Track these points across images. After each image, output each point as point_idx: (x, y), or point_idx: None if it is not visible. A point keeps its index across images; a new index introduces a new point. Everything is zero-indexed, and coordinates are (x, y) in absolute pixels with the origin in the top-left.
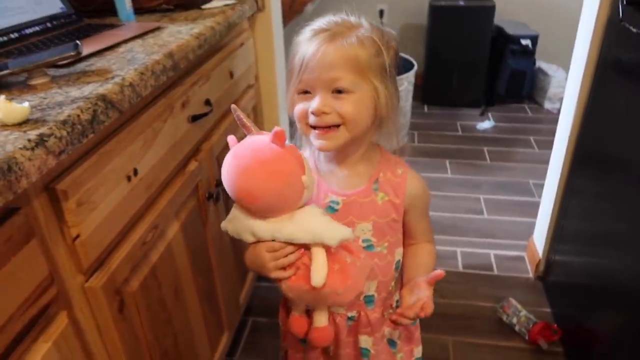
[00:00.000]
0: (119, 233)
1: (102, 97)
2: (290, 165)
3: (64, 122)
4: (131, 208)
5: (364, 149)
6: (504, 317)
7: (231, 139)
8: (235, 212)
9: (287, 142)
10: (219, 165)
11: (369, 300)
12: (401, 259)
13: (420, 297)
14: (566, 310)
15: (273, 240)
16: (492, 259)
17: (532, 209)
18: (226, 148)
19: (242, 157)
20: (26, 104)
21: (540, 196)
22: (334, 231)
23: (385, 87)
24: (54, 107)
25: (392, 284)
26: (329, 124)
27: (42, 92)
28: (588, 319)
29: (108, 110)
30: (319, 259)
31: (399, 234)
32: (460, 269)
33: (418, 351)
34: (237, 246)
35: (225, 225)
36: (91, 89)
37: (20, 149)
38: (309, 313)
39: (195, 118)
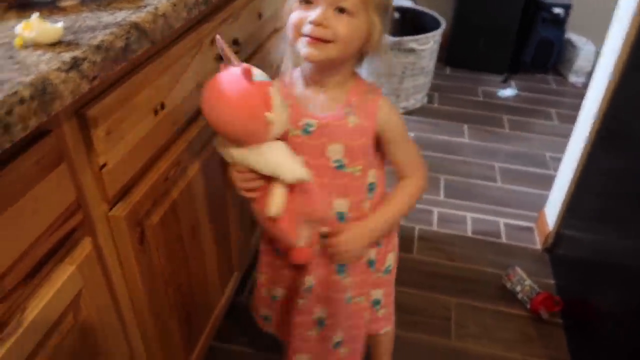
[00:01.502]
0: (143, 166)
1: (135, 26)
2: (252, 101)
3: (98, 47)
4: (156, 142)
5: (341, 75)
6: (508, 285)
7: (223, 67)
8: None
9: (263, 77)
10: None
11: (340, 216)
12: (376, 182)
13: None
14: (570, 283)
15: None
16: (502, 227)
17: (546, 182)
18: None
19: (212, 88)
20: (60, 24)
21: (555, 169)
22: (291, 169)
23: (380, 24)
24: (86, 31)
25: (367, 205)
26: (322, 38)
27: (72, 14)
28: (590, 293)
29: (141, 40)
30: (276, 192)
31: (371, 157)
32: (469, 234)
33: (390, 258)
34: None
35: (216, 141)
36: (124, 15)
37: (55, 70)
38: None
39: (222, 57)
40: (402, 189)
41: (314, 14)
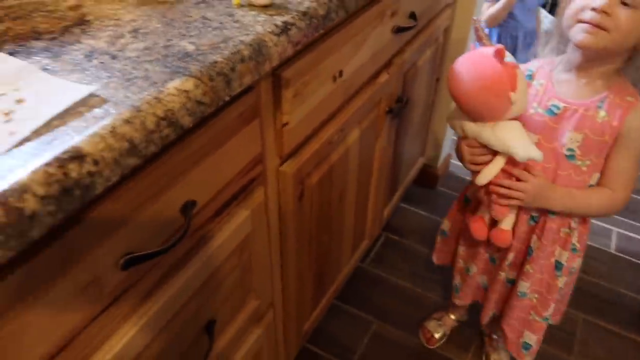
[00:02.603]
0: (314, 129)
1: None
2: (500, 82)
3: (304, 14)
4: (329, 108)
5: (606, 69)
6: None
7: (472, 47)
8: (456, 107)
9: (511, 59)
10: (405, 82)
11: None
12: (595, 185)
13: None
14: None
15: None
16: None
17: None
18: (414, 66)
19: (464, 63)
20: None
21: None
22: (525, 148)
23: None
24: None
25: None
26: (601, 25)
27: None
28: None
29: (338, 9)
30: (495, 164)
31: (603, 159)
32: (613, 250)
33: (561, 254)
34: (395, 166)
35: (448, 114)
36: None
37: (269, 32)
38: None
39: (399, 30)
40: (598, 192)
41: (599, 1)
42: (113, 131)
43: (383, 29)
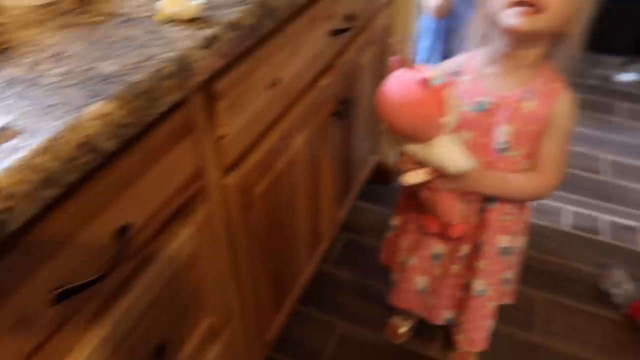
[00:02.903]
0: (255, 138)
1: (264, 3)
2: (427, 110)
3: (231, 25)
4: (269, 115)
5: (532, 56)
6: (604, 286)
7: (395, 60)
8: None
9: (441, 79)
10: (348, 83)
11: (491, 199)
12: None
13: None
14: None
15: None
16: (604, 224)
17: None
18: (356, 66)
19: (390, 92)
20: (201, 1)
21: None
22: (455, 164)
23: (585, 5)
24: (219, 8)
25: None
26: (534, 2)
27: None
28: None
29: (267, 17)
30: (422, 171)
31: (535, 148)
32: (566, 227)
33: (505, 240)
34: (347, 166)
35: (384, 131)
36: None
37: (195, 47)
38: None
39: (336, 32)
40: (531, 176)
41: None
42: (28, 163)
43: (319, 32)
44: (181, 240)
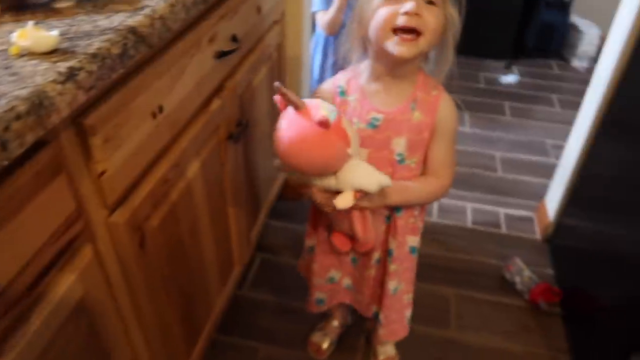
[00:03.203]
0: (143, 170)
1: (132, 30)
2: (335, 148)
3: (94, 56)
4: (155, 145)
5: (410, 70)
6: (507, 276)
7: (279, 100)
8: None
9: (332, 111)
10: (242, 104)
11: (397, 208)
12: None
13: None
14: (569, 273)
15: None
16: (501, 217)
17: (546, 170)
18: (249, 87)
19: (291, 138)
20: (55, 33)
21: (557, 157)
22: (372, 183)
23: (454, 16)
24: (82, 37)
25: None
26: (416, 27)
27: (67, 18)
28: (590, 284)
29: (138, 45)
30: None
31: (426, 152)
32: (469, 224)
33: (413, 240)
34: (252, 187)
35: (278, 165)
36: (120, 19)
37: (51, 82)
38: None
39: (221, 55)
40: (427, 181)
41: (408, 5)
42: None
43: (203, 56)
44: (63, 290)
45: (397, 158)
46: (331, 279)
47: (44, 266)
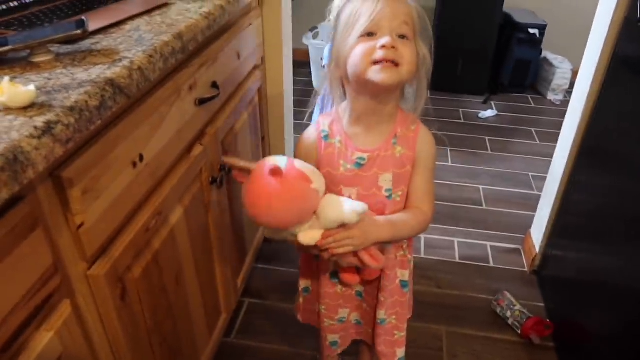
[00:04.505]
0: (123, 220)
1: (110, 82)
2: (297, 190)
3: (72, 109)
4: (136, 194)
5: (391, 106)
6: (498, 310)
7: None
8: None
9: (282, 159)
10: (224, 149)
11: (387, 243)
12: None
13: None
14: (559, 305)
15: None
16: (489, 251)
17: (530, 202)
18: (231, 131)
19: (253, 201)
20: (32, 87)
21: (538, 189)
22: (351, 212)
23: (429, 52)
24: (60, 90)
25: None
26: (394, 59)
27: (46, 72)
28: (580, 315)
29: (116, 96)
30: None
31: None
32: (457, 259)
33: (403, 274)
34: (237, 231)
35: (267, 233)
36: (98, 71)
37: (27, 137)
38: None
39: (202, 102)
40: (412, 213)
41: (384, 39)
42: None
43: (183, 103)
44: (40, 348)
45: (386, 194)
46: (341, 319)
47: (19, 324)
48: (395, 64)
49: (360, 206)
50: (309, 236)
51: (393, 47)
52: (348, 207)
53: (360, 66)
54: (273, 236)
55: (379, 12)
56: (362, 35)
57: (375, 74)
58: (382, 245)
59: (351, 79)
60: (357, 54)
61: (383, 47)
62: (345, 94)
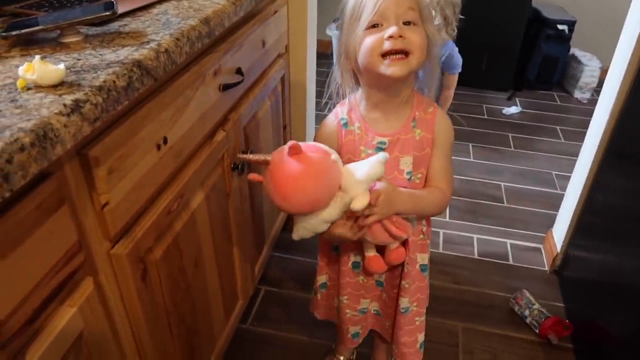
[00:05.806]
0: (146, 201)
1: (138, 63)
2: (320, 163)
3: (100, 88)
4: (159, 177)
5: (406, 92)
6: (516, 309)
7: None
8: (299, 222)
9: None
10: (246, 135)
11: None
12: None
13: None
14: (579, 306)
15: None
16: (508, 248)
17: (553, 201)
18: (254, 118)
19: (279, 185)
20: (62, 66)
21: (561, 188)
22: (376, 162)
23: (437, 34)
24: (88, 70)
25: None
26: (403, 49)
27: (75, 52)
28: (601, 316)
29: (143, 77)
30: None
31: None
32: (476, 255)
33: (423, 257)
34: (257, 219)
35: (297, 235)
36: (126, 53)
37: (56, 114)
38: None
39: (226, 87)
40: (432, 191)
41: (390, 30)
42: None
43: (207, 88)
44: (63, 323)
45: (407, 177)
46: (362, 309)
47: (43, 300)
48: (405, 53)
49: (381, 155)
50: (359, 201)
51: (400, 37)
52: (372, 160)
53: (370, 60)
54: (304, 234)
55: (382, 2)
56: (368, 28)
57: (385, 69)
58: (408, 219)
59: (363, 72)
60: (365, 47)
61: (390, 37)
62: (358, 82)
